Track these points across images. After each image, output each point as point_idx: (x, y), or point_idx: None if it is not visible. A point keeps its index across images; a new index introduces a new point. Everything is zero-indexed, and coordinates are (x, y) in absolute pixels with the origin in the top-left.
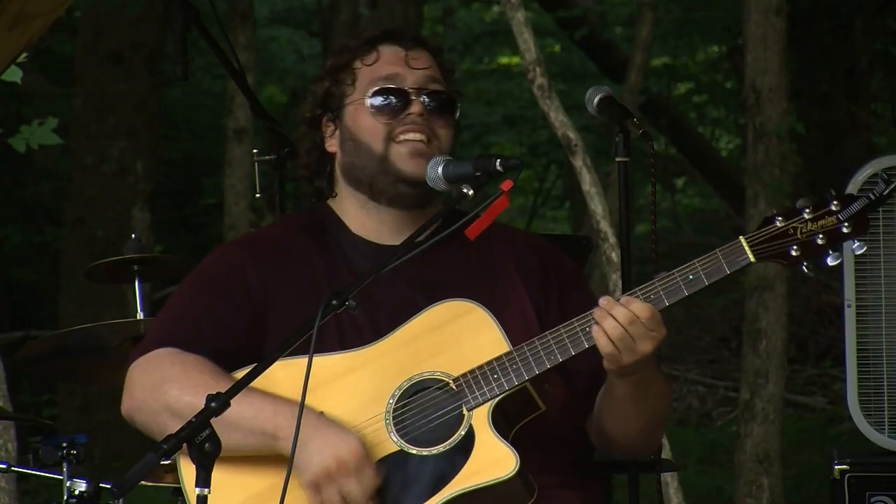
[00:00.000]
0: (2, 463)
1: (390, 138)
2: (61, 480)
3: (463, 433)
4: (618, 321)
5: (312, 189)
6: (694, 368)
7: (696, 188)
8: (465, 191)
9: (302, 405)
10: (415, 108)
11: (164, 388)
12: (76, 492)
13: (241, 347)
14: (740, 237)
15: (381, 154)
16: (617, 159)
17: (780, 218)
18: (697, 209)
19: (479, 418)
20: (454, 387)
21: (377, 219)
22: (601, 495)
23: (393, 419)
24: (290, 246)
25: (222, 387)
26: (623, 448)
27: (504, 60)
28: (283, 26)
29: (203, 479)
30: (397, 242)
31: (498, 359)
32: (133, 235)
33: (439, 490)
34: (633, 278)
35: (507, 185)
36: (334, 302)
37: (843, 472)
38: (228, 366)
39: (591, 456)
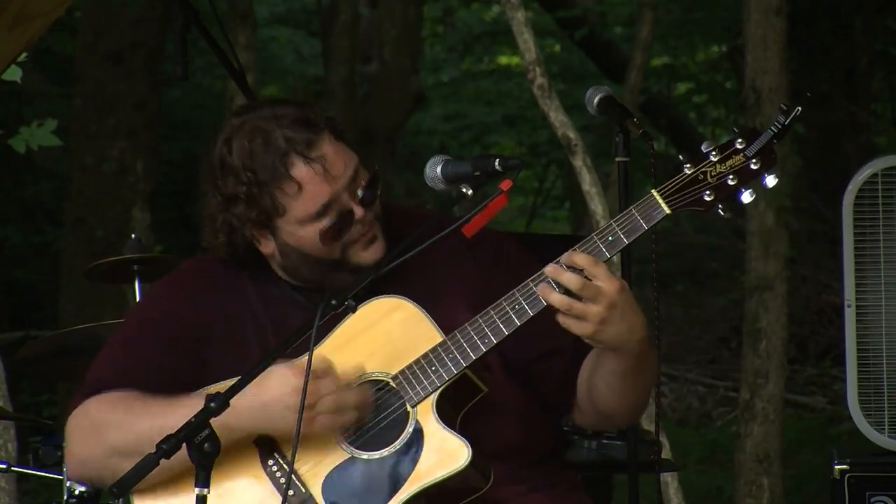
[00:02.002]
0: (2, 463)
1: (346, 248)
2: (61, 480)
3: (411, 430)
4: (559, 276)
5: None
6: (694, 368)
7: None
8: (463, 190)
9: (302, 405)
10: (358, 213)
11: (104, 434)
12: (76, 492)
13: (176, 382)
14: (652, 190)
15: (337, 260)
16: (617, 159)
17: (687, 165)
18: None
19: (425, 413)
20: (394, 385)
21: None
22: (575, 488)
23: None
24: (225, 279)
25: (160, 406)
26: (614, 420)
27: (504, 60)
28: (283, 26)
29: (203, 479)
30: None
31: (433, 350)
32: (133, 235)
33: (397, 491)
34: (632, 278)
35: (506, 184)
36: (334, 301)
37: (843, 472)
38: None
39: (561, 449)
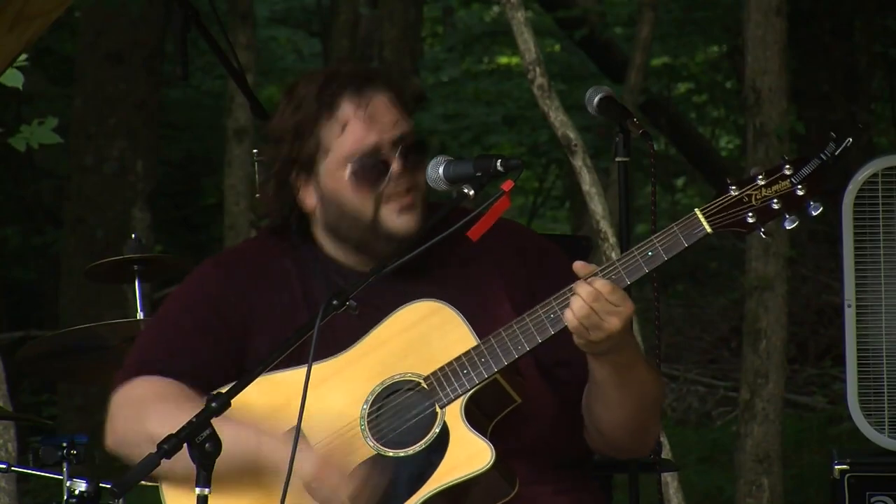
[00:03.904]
0: (2, 463)
1: (378, 202)
2: (61, 480)
3: (437, 431)
4: (582, 298)
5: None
6: (694, 368)
7: (696, 188)
8: (465, 191)
9: (302, 408)
10: (395, 167)
11: (145, 419)
12: (76, 492)
13: (219, 372)
14: (695, 209)
15: (370, 219)
16: (617, 159)
17: (734, 187)
18: None
19: (453, 415)
20: (425, 386)
21: (358, 259)
22: (600, 498)
23: (368, 424)
24: (268, 265)
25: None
26: (616, 442)
27: (504, 60)
28: (283, 26)
29: (203, 479)
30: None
31: (466, 353)
32: (133, 235)
33: (417, 489)
34: None
35: (507, 185)
36: (335, 302)
37: (843, 472)
38: (207, 389)
39: (588, 460)
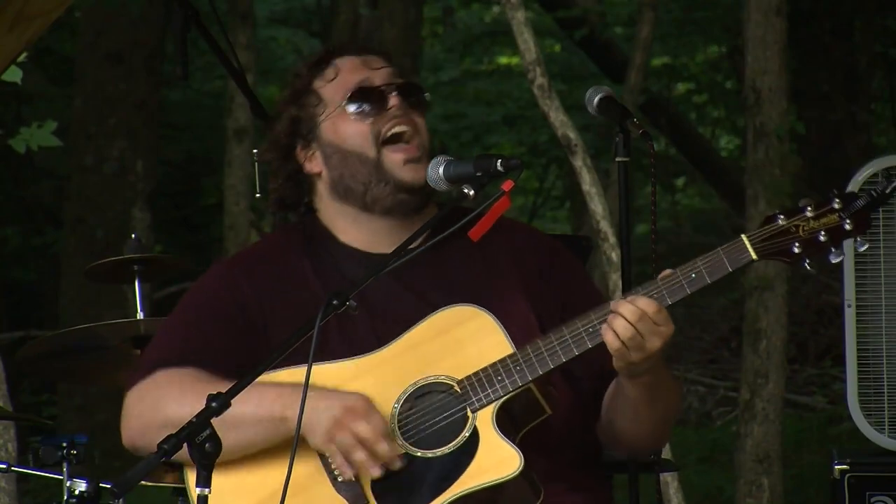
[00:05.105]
0: (2, 463)
1: (378, 140)
2: (61, 480)
3: (467, 435)
4: (626, 318)
5: (282, 217)
6: (694, 368)
7: (696, 188)
8: (465, 191)
9: (302, 408)
10: (392, 101)
11: (162, 406)
12: (76, 492)
13: (235, 366)
14: (742, 235)
15: (374, 159)
16: (617, 159)
17: (782, 216)
18: (697, 209)
19: (484, 420)
20: (458, 389)
21: (369, 229)
22: (609, 498)
23: (398, 423)
24: (284, 262)
25: (221, 389)
26: (633, 448)
27: (504, 60)
28: (283, 26)
29: (203, 479)
30: (391, 249)
31: (502, 361)
32: (133, 235)
33: (443, 490)
34: (632, 278)
35: (508, 185)
36: (335, 302)
37: (843, 472)
38: (226, 375)
39: (600, 459)
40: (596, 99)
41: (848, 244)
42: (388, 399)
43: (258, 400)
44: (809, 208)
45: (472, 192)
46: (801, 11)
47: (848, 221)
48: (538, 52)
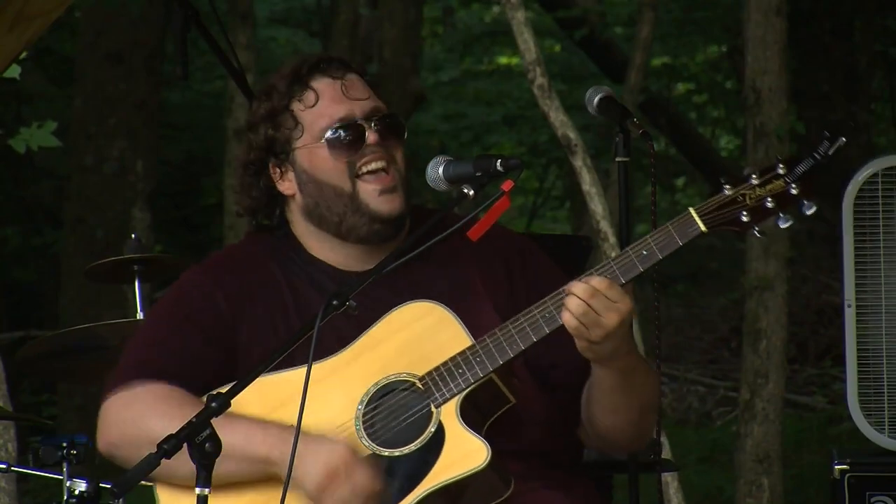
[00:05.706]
0: (2, 463)
1: (355, 175)
2: (61, 480)
3: (433, 430)
4: (579, 297)
5: (253, 224)
6: (694, 368)
7: (696, 188)
8: (465, 191)
9: (301, 410)
10: (370, 137)
11: (148, 421)
12: (76, 492)
13: (213, 376)
14: (689, 208)
15: (349, 193)
16: (617, 159)
17: (727, 186)
18: None
19: (448, 414)
20: (420, 386)
21: (343, 253)
22: (591, 495)
23: (363, 424)
24: (256, 270)
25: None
26: (616, 443)
27: (504, 60)
28: (283, 26)
29: (203, 479)
30: (364, 269)
31: (462, 353)
32: (133, 235)
33: (413, 488)
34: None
35: (507, 185)
36: (335, 302)
37: (843, 472)
38: (202, 390)
39: (578, 457)
40: (596, 99)
41: (848, 245)
42: (353, 400)
43: (245, 439)
44: (754, 176)
45: (471, 192)
46: (801, 11)
47: (794, 186)
48: (538, 52)
